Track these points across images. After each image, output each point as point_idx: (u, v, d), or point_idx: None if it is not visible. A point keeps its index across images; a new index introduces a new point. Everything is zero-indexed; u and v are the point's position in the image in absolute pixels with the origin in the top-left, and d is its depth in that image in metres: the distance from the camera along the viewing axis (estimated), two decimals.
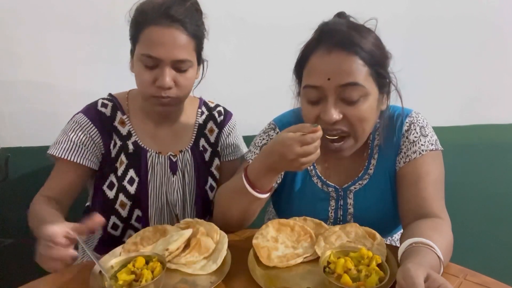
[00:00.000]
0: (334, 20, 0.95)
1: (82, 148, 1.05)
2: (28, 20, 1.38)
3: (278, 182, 1.08)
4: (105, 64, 1.46)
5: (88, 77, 1.46)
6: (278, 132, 1.08)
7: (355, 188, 1.04)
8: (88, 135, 1.06)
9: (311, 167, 1.06)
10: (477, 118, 1.76)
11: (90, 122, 1.07)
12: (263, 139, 1.09)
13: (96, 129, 1.07)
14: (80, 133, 1.06)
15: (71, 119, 1.09)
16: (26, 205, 1.00)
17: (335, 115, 0.88)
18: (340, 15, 0.97)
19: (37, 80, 1.45)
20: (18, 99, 1.45)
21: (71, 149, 1.04)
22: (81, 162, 1.05)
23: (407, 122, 1.01)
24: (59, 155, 1.03)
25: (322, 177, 1.06)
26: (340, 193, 1.04)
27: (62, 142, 1.05)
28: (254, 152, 1.08)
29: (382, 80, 0.93)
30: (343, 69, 0.87)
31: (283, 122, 1.09)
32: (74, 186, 1.07)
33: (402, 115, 1.02)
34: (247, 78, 1.57)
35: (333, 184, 1.05)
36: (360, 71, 0.87)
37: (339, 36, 0.88)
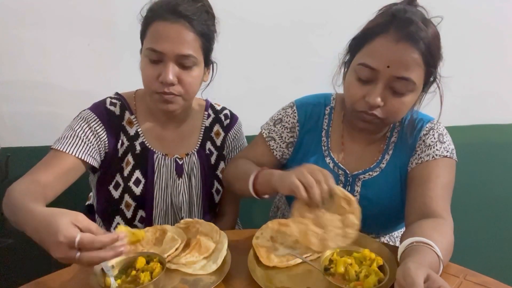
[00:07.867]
0: (409, 8, 0.92)
1: (86, 143, 1.02)
2: (28, 20, 1.38)
3: (286, 159, 1.14)
4: (105, 64, 1.46)
5: (88, 77, 1.46)
6: (294, 110, 1.11)
7: (364, 177, 1.04)
8: (94, 130, 1.05)
9: (325, 147, 1.08)
10: (477, 118, 1.76)
11: (97, 118, 1.06)
12: (279, 113, 1.14)
13: (102, 126, 1.06)
14: (86, 127, 1.04)
15: (78, 115, 1.08)
16: None
17: (380, 101, 0.90)
18: (411, 2, 0.94)
19: (37, 80, 1.44)
20: (18, 99, 1.45)
21: (75, 144, 1.01)
22: (82, 158, 1.01)
23: (426, 127, 1.03)
24: (63, 150, 0.99)
25: (335, 159, 1.07)
26: (348, 179, 1.05)
27: (66, 137, 1.02)
28: (269, 124, 1.14)
29: (430, 80, 0.95)
30: (404, 62, 0.88)
31: (302, 102, 1.13)
32: (70, 178, 1.01)
33: (423, 120, 1.04)
34: (246, 77, 1.57)
35: (344, 168, 1.06)
36: (417, 68, 0.89)
37: (412, 28, 0.87)
